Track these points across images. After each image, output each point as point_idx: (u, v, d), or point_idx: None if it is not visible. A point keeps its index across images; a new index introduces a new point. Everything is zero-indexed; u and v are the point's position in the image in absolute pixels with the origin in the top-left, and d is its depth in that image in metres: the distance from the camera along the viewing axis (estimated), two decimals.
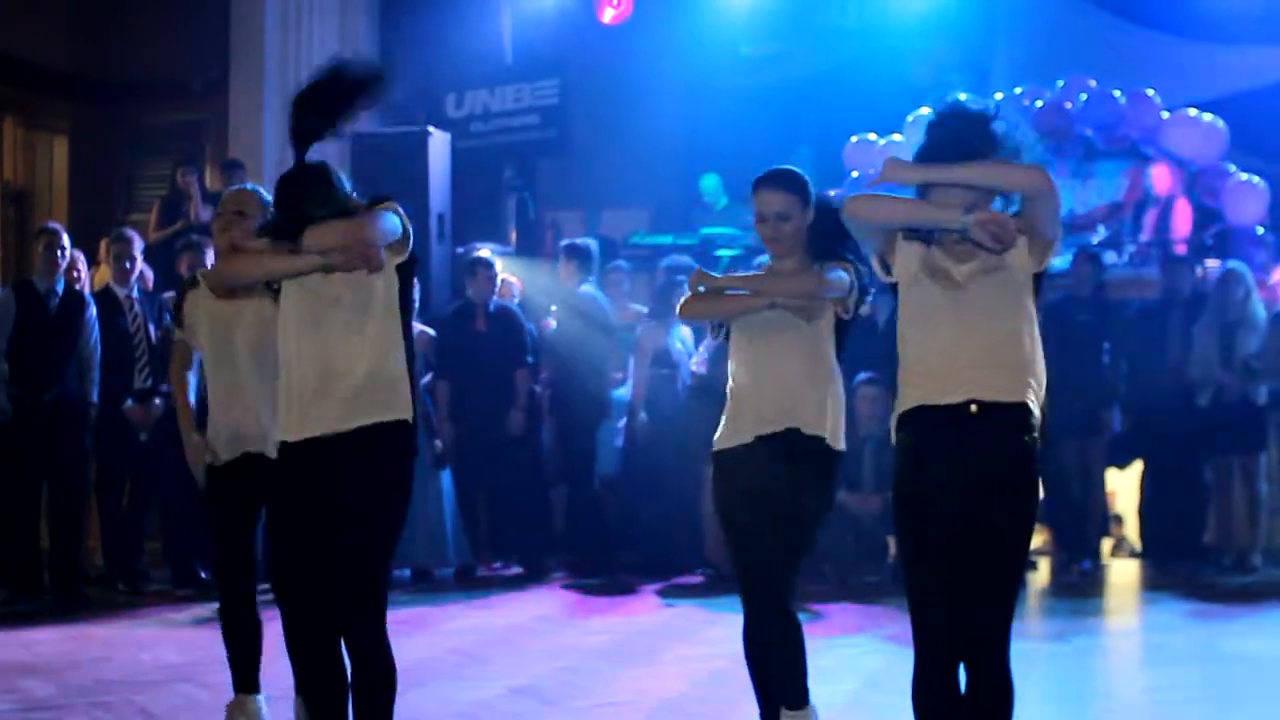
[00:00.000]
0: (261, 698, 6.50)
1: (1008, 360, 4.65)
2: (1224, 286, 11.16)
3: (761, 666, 5.80)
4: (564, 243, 12.25)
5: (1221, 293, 11.14)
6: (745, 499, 5.52)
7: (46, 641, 8.72)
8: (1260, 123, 14.34)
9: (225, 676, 7.59)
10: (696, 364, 10.85)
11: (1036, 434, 4.64)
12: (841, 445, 5.59)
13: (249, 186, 6.69)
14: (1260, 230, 13.14)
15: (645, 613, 9.72)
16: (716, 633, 9.03)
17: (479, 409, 11.07)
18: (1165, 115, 13.95)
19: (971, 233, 4.57)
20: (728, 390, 5.69)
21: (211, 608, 9.70)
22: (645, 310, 12.20)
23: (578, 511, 11.52)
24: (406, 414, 5.18)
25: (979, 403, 4.62)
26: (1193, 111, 13.89)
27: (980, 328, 4.66)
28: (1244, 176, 13.55)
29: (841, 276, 5.49)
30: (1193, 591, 10.16)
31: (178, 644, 8.63)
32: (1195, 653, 8.29)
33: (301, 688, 5.37)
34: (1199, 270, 12.34)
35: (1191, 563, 11.03)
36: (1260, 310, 11.09)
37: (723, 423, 5.67)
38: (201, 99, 16.11)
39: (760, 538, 5.51)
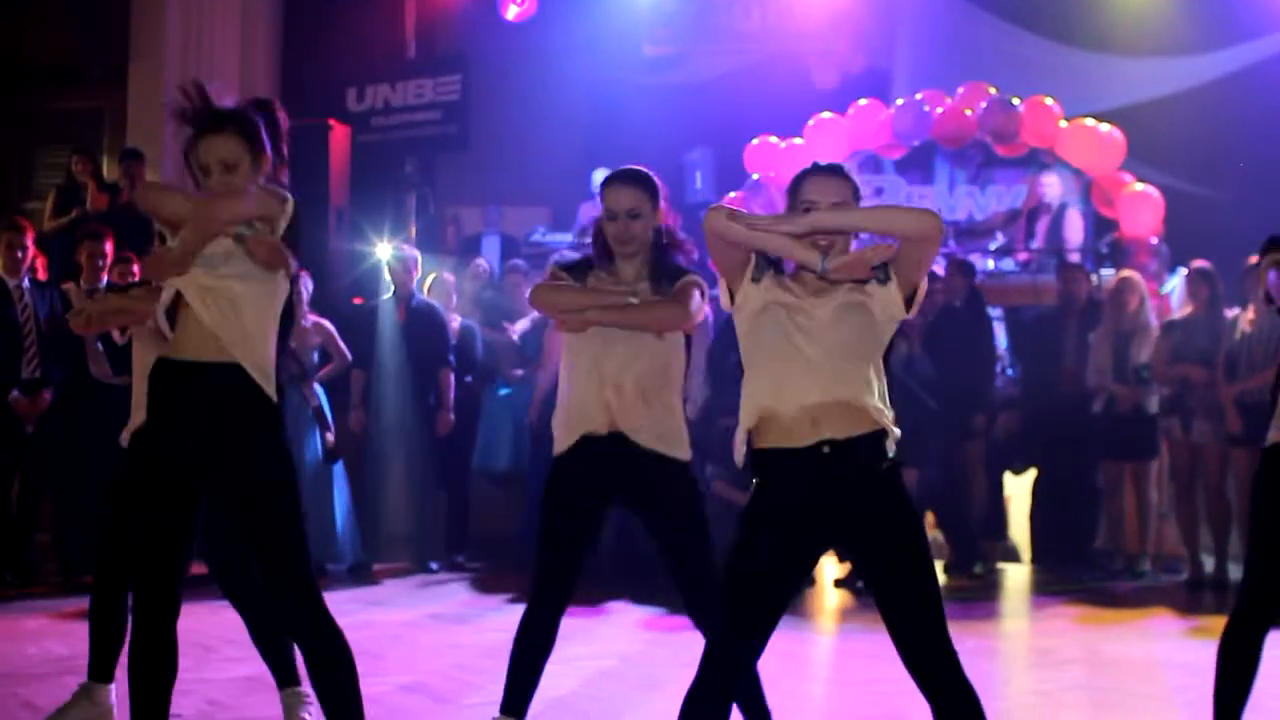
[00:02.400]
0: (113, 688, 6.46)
1: (858, 400, 4.57)
2: (1118, 295, 11.26)
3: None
4: None
5: (1116, 302, 11.25)
6: None
7: None
8: (1157, 133, 14.51)
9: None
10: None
11: (891, 456, 4.62)
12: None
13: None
14: (1154, 240, 13.29)
15: None
16: (607, 631, 9.05)
17: (392, 401, 11.04)
18: (1063, 124, 14.08)
19: (829, 276, 4.56)
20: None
21: None
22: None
23: (455, 511, 11.51)
24: None
25: (832, 443, 4.55)
26: (1090, 121, 14.02)
27: (830, 368, 4.58)
28: (1140, 187, 13.70)
29: (697, 300, 5.50)
30: (1082, 596, 10.25)
31: (65, 636, 8.53)
32: (1083, 655, 8.36)
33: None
34: (1094, 279, 12.48)
35: (1082, 567, 11.14)
36: (1153, 319, 11.20)
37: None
38: (101, 86, 15.95)
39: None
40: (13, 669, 7.66)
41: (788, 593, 4.66)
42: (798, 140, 14.46)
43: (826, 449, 4.53)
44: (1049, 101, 14.17)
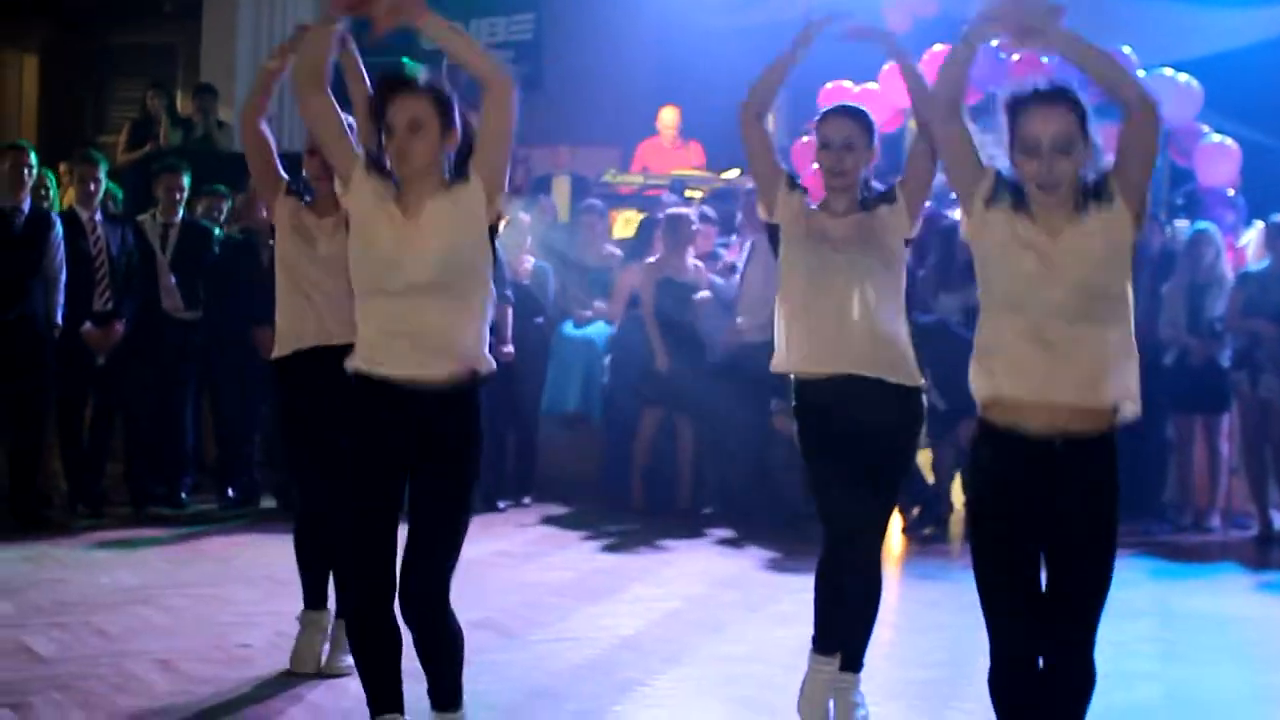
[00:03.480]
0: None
1: (1101, 402, 4.50)
2: (1194, 248, 11.17)
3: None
4: None
5: (1191, 254, 11.15)
6: None
7: (4, 560, 8.68)
8: (1235, 85, 14.35)
9: (181, 600, 7.64)
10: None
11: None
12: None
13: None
14: (1231, 192, 13.16)
15: (606, 552, 9.73)
16: (672, 572, 9.08)
17: None
18: (1140, 74, 13.94)
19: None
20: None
21: (170, 531, 9.75)
22: (618, 251, 12.22)
23: (523, 451, 11.49)
24: None
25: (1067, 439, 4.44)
26: (1168, 71, 13.88)
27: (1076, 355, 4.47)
28: (1217, 138, 13.56)
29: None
30: (1151, 549, 10.20)
31: (136, 566, 8.61)
32: (1152, 609, 8.33)
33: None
34: (1168, 231, 12.36)
35: (1151, 520, 11.07)
36: (1228, 273, 11.10)
37: None
38: (174, 22, 16.02)
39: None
40: (85, 598, 7.73)
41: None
42: (872, 85, 14.36)
43: (1060, 444, 4.43)
44: (1126, 51, 14.03)
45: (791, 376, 5.76)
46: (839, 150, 5.68)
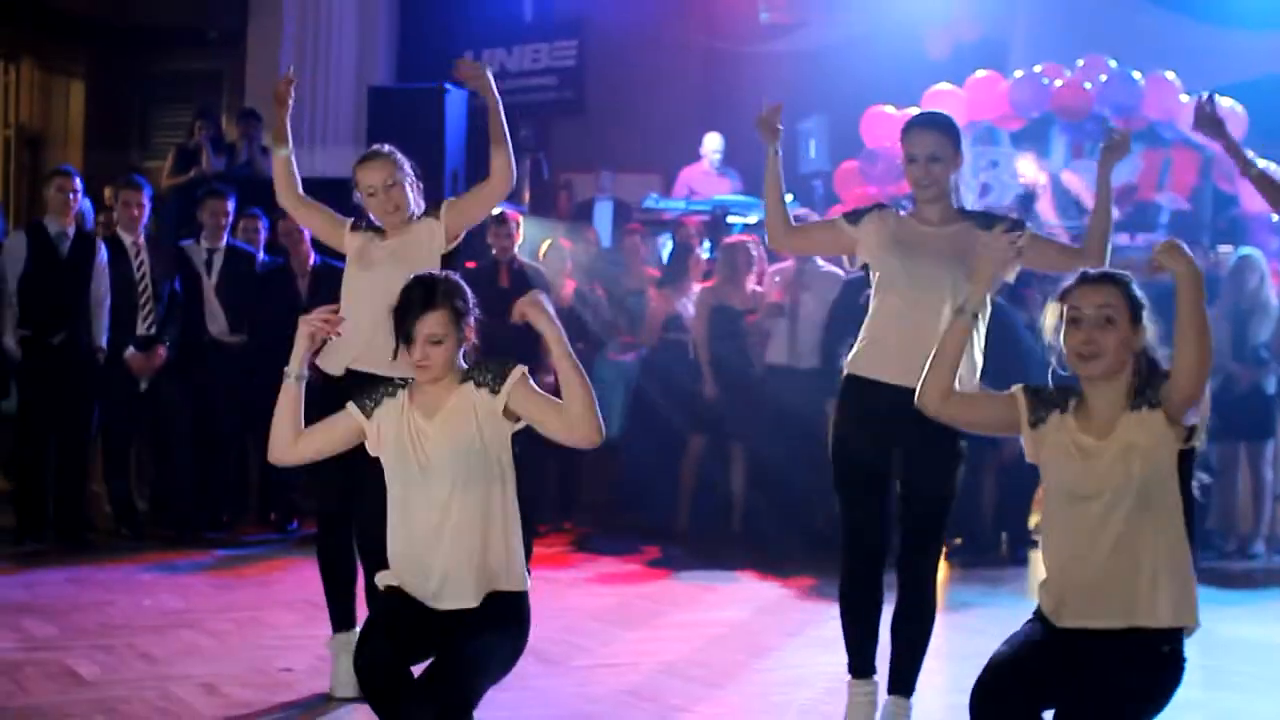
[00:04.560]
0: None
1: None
2: (1238, 274, 11.12)
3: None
4: None
5: (1235, 280, 11.11)
6: None
7: (49, 583, 8.74)
8: (1279, 109, 14.29)
9: (224, 623, 7.67)
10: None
11: None
12: None
13: (374, 154, 6.60)
14: (1276, 218, 13.09)
15: (647, 577, 9.72)
16: (714, 599, 9.07)
17: None
18: (1184, 99, 13.90)
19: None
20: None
21: (212, 555, 9.78)
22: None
23: (564, 474, 11.50)
24: None
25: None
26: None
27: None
28: (1262, 163, 13.50)
29: None
30: (1195, 576, 10.13)
31: (178, 591, 8.64)
32: (1195, 637, 8.26)
33: None
34: (1211, 256, 12.31)
35: (1194, 547, 10.99)
36: (1273, 298, 11.05)
37: None
38: (219, 48, 16.11)
39: None
40: (129, 620, 7.77)
41: None
42: (913, 110, 14.35)
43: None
44: (1170, 76, 14.00)
45: (846, 376, 5.79)
46: (925, 163, 5.73)
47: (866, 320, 5.84)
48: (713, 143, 15.01)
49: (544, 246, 11.77)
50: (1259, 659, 7.89)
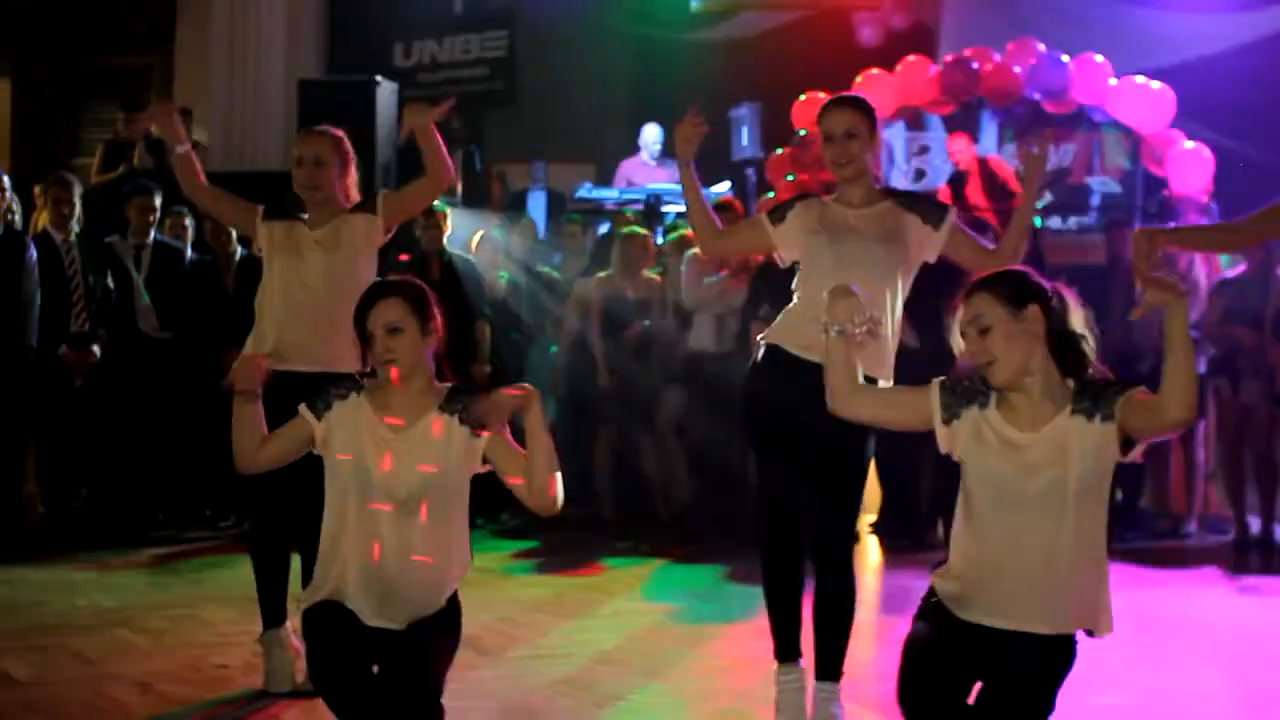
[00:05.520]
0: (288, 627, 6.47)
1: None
2: (1168, 256, 11.16)
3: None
4: None
5: (1166, 262, 11.14)
6: None
7: None
8: (1207, 91, 14.38)
9: (159, 621, 7.64)
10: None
11: None
12: None
13: (318, 130, 6.63)
14: (1204, 199, 13.18)
15: (580, 567, 9.72)
16: (648, 586, 9.08)
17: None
18: (1113, 81, 13.98)
19: None
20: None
21: (147, 553, 9.72)
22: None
23: None
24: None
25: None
26: (1141, 79, 13.92)
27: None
28: (1190, 145, 13.60)
29: None
30: (1127, 556, 10.21)
31: (112, 589, 8.59)
32: (1127, 615, 8.32)
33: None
34: None
35: (1127, 527, 11.07)
36: (1202, 280, 11.11)
37: None
38: (147, 43, 16.01)
39: None
40: (62, 620, 7.73)
41: None
42: (851, 94, 14.39)
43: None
44: (1099, 59, 14.07)
45: (766, 346, 5.81)
46: (842, 140, 5.74)
47: (792, 302, 5.85)
48: (651, 134, 15.03)
49: (475, 238, 11.75)
50: (1190, 637, 7.96)
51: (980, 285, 4.58)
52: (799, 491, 5.80)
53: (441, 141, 6.41)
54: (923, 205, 5.84)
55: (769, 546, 5.92)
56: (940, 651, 4.57)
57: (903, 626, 4.82)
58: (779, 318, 5.90)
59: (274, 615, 6.55)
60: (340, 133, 6.58)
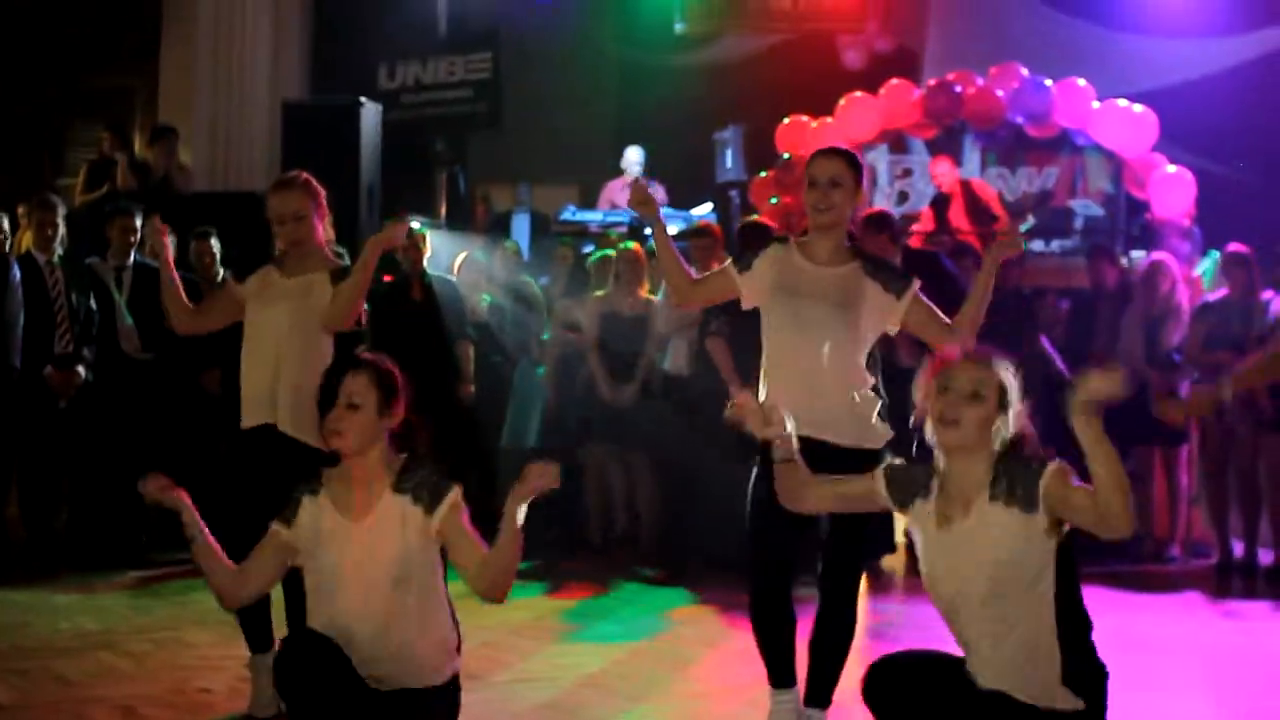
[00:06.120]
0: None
1: None
2: (1150, 279, 11.18)
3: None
4: None
5: (1147, 285, 11.17)
6: None
7: None
8: (1190, 116, 14.44)
9: (142, 644, 7.61)
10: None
11: None
12: None
13: (289, 182, 6.55)
14: (1186, 223, 13.22)
15: (565, 591, 9.71)
16: (632, 610, 9.06)
17: (414, 381, 10.98)
18: (1096, 105, 14.03)
19: None
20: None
21: (131, 576, 9.69)
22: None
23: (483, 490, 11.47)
24: None
25: None
26: (1124, 103, 13.97)
27: None
28: (1172, 169, 13.64)
29: None
30: (1111, 579, 10.22)
31: (95, 612, 8.57)
32: (1113, 640, 8.32)
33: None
34: (1125, 261, 12.41)
35: (1110, 551, 11.06)
36: (1184, 304, 11.12)
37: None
38: (131, 63, 16.00)
39: None
40: (45, 644, 7.70)
41: None
42: (829, 119, 14.43)
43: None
44: (1081, 83, 14.12)
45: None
46: (825, 188, 5.74)
47: (762, 364, 5.89)
48: (633, 155, 15.03)
49: (458, 260, 11.75)
50: (1174, 660, 7.96)
51: (991, 365, 4.64)
52: (794, 534, 5.81)
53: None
54: (886, 273, 5.85)
55: (756, 575, 5.91)
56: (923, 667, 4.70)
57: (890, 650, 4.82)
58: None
59: (260, 641, 6.51)
60: (307, 176, 6.52)
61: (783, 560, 5.87)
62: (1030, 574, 4.52)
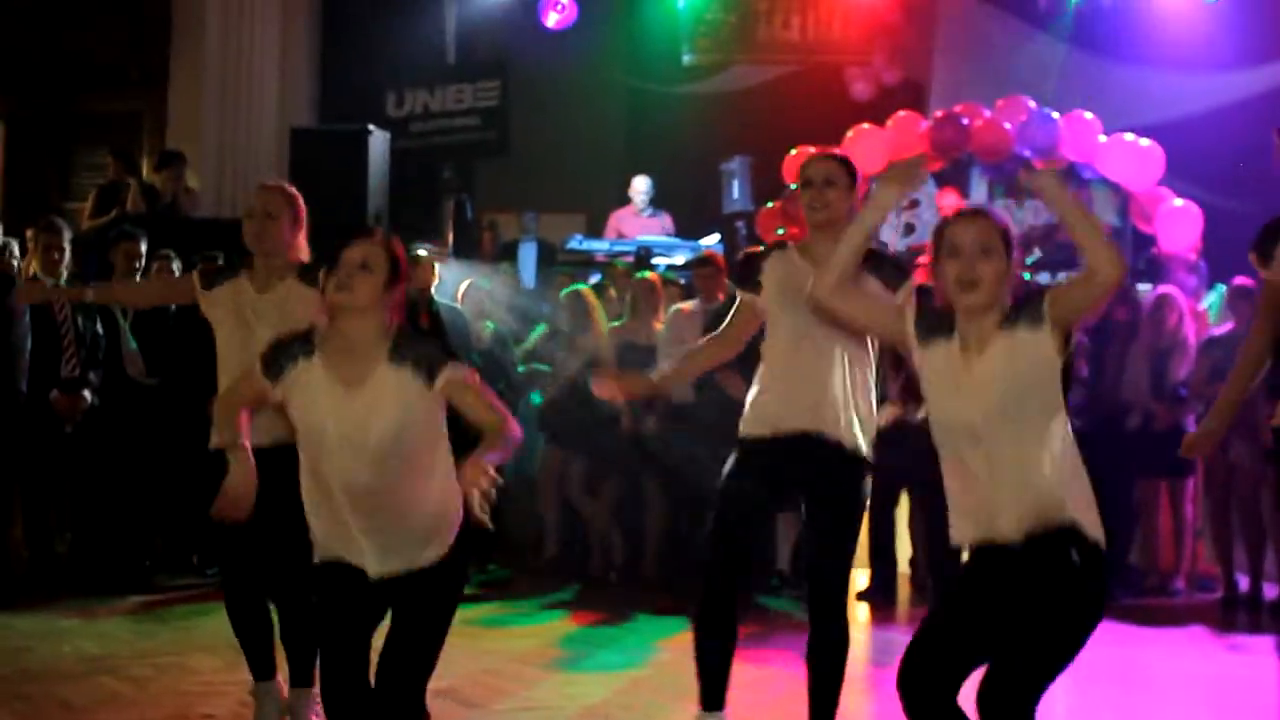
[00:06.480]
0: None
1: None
2: (1156, 312, 11.18)
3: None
4: None
5: (1154, 319, 11.16)
6: None
7: None
8: (1196, 149, 14.43)
9: (145, 669, 7.60)
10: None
11: None
12: None
13: (271, 183, 6.59)
14: (1193, 256, 13.21)
15: (567, 619, 9.70)
16: (635, 639, 9.05)
17: None
18: (1102, 139, 14.04)
19: None
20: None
21: (133, 601, 9.69)
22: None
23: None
24: None
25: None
26: (1130, 136, 13.98)
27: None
28: (1179, 202, 13.64)
29: None
30: (1116, 613, 10.18)
31: (98, 637, 8.57)
32: (1118, 672, 8.34)
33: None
34: (1131, 296, 12.40)
35: (1116, 584, 11.05)
36: (1191, 337, 11.12)
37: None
38: (140, 88, 16.03)
39: None
40: (48, 668, 7.70)
41: None
42: (836, 151, 14.43)
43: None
44: (1088, 116, 14.14)
45: (740, 437, 5.87)
46: (820, 186, 5.76)
47: (759, 368, 5.90)
48: (640, 185, 15.05)
49: (462, 287, 11.76)
50: (1178, 694, 7.96)
51: (987, 213, 4.66)
52: (756, 518, 5.84)
53: None
54: (888, 269, 5.80)
55: (711, 575, 5.92)
56: (938, 633, 4.75)
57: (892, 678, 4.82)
58: (750, 399, 5.92)
59: (263, 668, 6.47)
60: (294, 190, 6.52)
61: (740, 557, 5.91)
62: (1041, 397, 4.54)
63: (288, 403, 4.99)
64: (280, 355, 4.99)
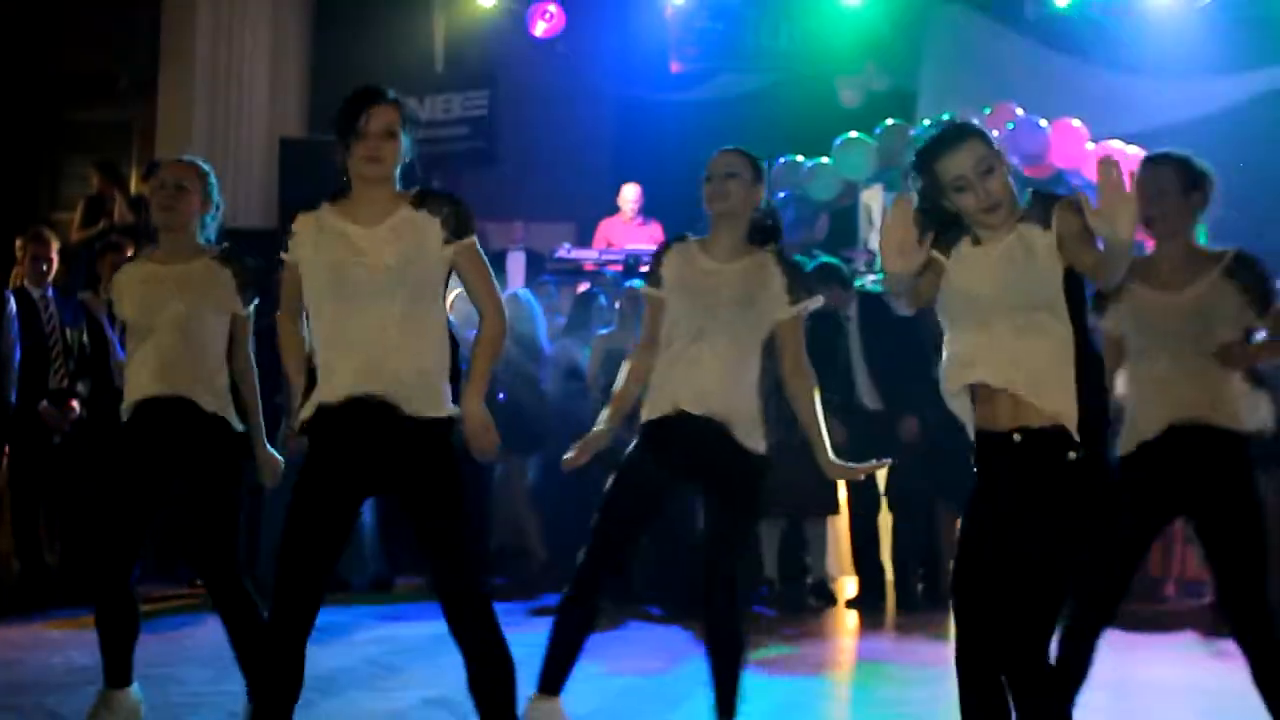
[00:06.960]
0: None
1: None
2: None
3: None
4: None
5: None
6: None
7: None
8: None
9: (134, 680, 7.57)
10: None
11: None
12: None
13: (185, 159, 6.55)
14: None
15: None
16: (624, 648, 9.04)
17: None
18: (1090, 145, 14.04)
19: None
20: None
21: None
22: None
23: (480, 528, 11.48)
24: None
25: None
26: (1118, 142, 13.98)
27: None
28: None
29: None
30: None
31: (88, 648, 8.50)
32: (1108, 680, 8.32)
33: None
34: None
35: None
36: None
37: None
38: (129, 98, 16.01)
39: None
40: (38, 678, 7.70)
41: None
42: (824, 159, 14.44)
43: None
44: (1076, 123, 14.14)
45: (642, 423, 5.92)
46: (721, 178, 5.81)
47: (660, 358, 5.92)
48: (629, 193, 15.05)
49: (451, 297, 11.74)
50: (1168, 700, 7.95)
51: (972, 131, 4.72)
52: (631, 540, 6.05)
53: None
54: (797, 275, 5.90)
55: (590, 552, 6.10)
56: (971, 546, 4.80)
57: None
58: (650, 386, 5.94)
59: (119, 675, 6.49)
60: (209, 168, 6.47)
61: (622, 543, 6.03)
62: (1044, 292, 4.62)
63: (300, 261, 5.05)
64: (286, 231, 5.13)
